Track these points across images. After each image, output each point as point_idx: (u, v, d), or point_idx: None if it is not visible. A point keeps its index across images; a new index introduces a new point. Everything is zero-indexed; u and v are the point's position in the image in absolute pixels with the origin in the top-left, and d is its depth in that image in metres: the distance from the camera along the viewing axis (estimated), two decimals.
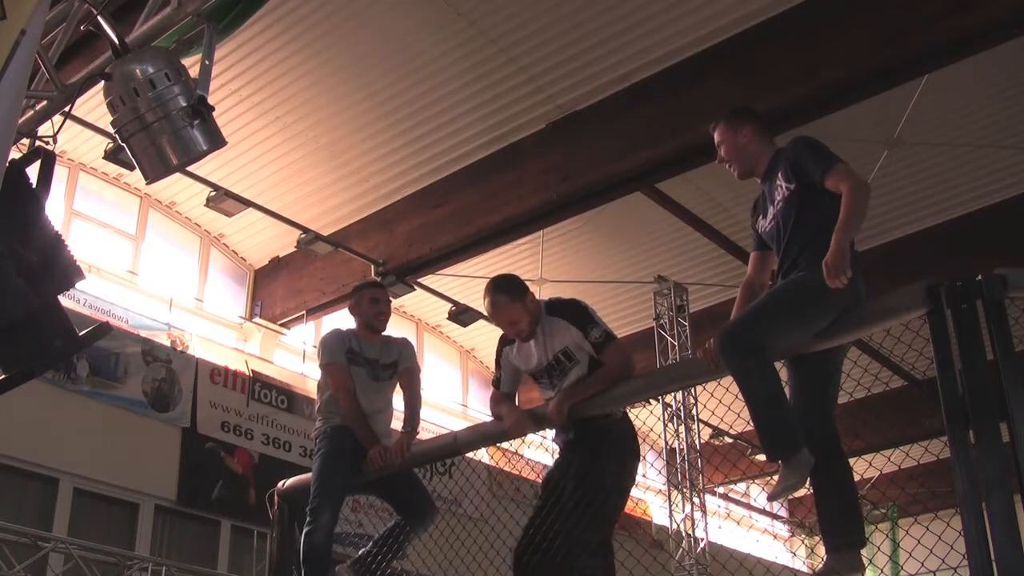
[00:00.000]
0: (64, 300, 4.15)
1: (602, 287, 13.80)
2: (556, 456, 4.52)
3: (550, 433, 4.56)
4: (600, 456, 4.16)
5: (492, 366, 4.67)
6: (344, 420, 4.98)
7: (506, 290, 4.35)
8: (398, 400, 5.23)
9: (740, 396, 4.09)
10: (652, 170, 10.35)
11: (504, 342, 4.53)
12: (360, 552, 5.04)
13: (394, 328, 5.35)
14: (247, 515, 10.71)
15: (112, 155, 10.38)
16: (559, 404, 4.13)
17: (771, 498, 3.89)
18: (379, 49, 10.10)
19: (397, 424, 5.12)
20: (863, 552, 3.53)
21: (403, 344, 5.30)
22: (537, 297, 4.45)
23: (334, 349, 5.09)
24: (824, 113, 9.62)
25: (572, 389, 4.17)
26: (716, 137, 4.01)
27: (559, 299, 4.45)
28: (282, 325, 13.35)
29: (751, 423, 3.51)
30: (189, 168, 6.54)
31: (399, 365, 5.18)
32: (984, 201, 12.10)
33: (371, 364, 5.10)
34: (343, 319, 14.18)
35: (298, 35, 9.89)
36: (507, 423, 4.32)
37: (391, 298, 5.43)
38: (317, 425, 5.13)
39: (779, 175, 3.78)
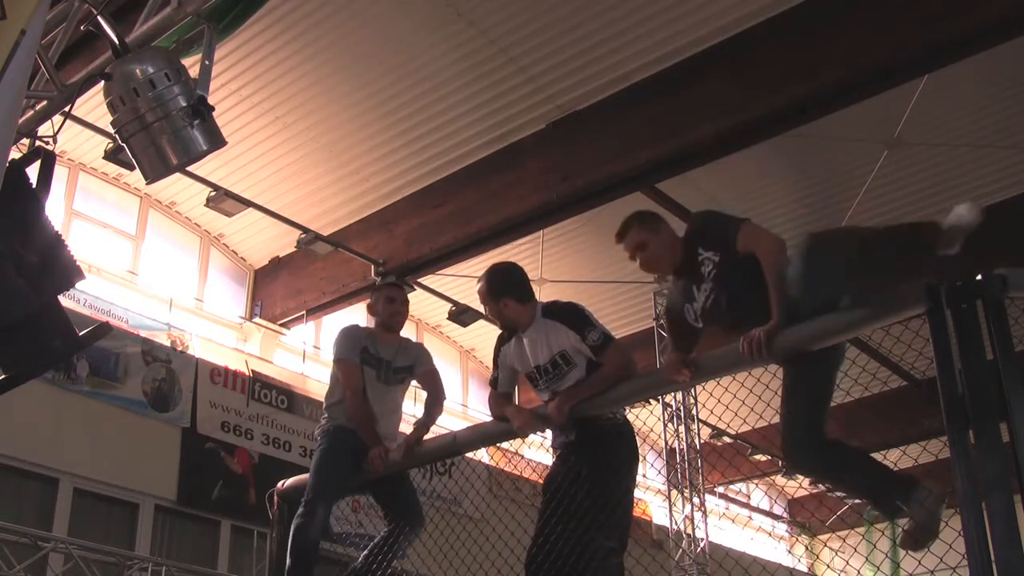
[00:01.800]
0: (64, 300, 4.15)
1: (602, 287, 13.80)
2: (555, 458, 4.50)
3: (550, 433, 4.56)
4: (606, 458, 4.15)
5: (492, 366, 4.67)
6: (349, 420, 4.97)
7: (491, 280, 4.40)
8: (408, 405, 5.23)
9: (739, 396, 4.11)
10: (652, 170, 10.34)
11: (501, 341, 4.52)
12: (351, 567, 5.02)
13: None
14: (247, 515, 10.70)
15: (112, 155, 10.38)
16: (560, 405, 4.12)
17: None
18: (379, 49, 10.10)
19: (405, 428, 5.11)
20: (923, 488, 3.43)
21: (420, 348, 5.28)
22: (537, 297, 4.44)
23: (349, 346, 5.07)
24: (824, 113, 9.64)
25: (572, 390, 4.16)
26: (632, 243, 4.00)
27: (556, 302, 4.43)
28: (282, 325, 13.34)
29: (747, 424, 3.54)
30: (189, 168, 6.54)
31: (416, 369, 5.16)
32: (984, 201, 12.08)
33: (382, 365, 5.06)
34: (343, 319, 14.21)
35: (298, 35, 9.89)
36: (516, 425, 4.29)
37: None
38: (322, 421, 5.12)
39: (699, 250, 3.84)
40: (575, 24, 9.66)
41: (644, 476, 16.25)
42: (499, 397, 4.52)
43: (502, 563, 4.66)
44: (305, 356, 13.31)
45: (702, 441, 14.07)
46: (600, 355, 4.16)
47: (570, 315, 4.29)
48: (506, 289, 4.36)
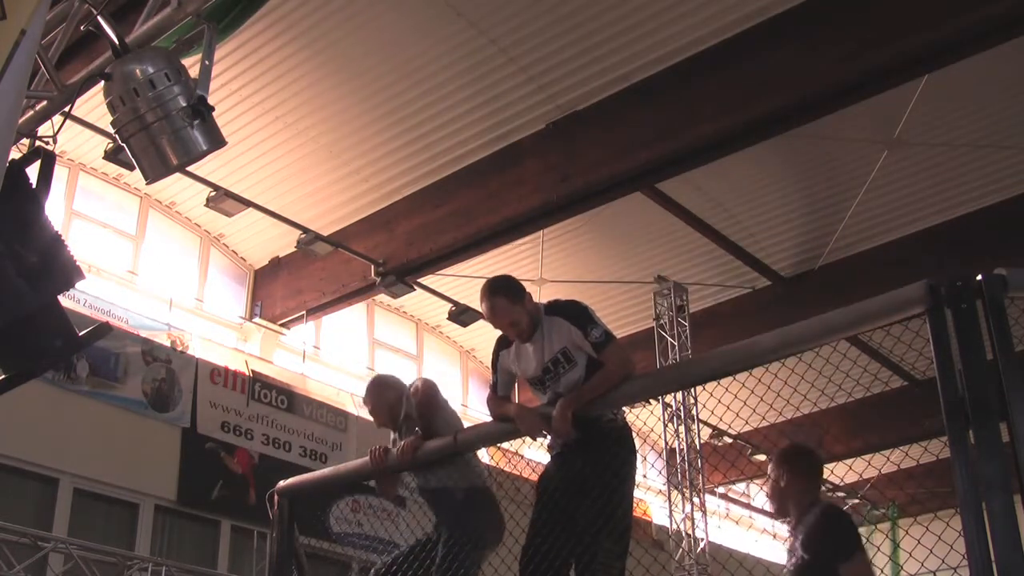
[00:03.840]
0: (64, 300, 4.16)
1: (602, 287, 13.79)
2: (552, 457, 4.49)
3: None
4: (606, 461, 4.13)
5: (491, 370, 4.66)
6: None
7: (504, 292, 4.30)
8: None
9: (740, 396, 4.10)
10: (652, 170, 10.36)
11: (500, 346, 4.49)
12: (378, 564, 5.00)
13: (394, 328, 5.31)
14: (247, 515, 10.71)
15: (112, 155, 10.39)
16: (563, 411, 4.04)
17: None
18: (379, 49, 10.11)
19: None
20: None
21: None
22: (537, 297, 4.43)
23: None
24: (824, 113, 9.65)
25: (575, 395, 4.10)
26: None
27: (558, 300, 4.42)
28: (282, 325, 13.34)
29: (747, 424, 3.55)
30: (189, 168, 6.55)
31: None
32: (984, 201, 12.10)
33: None
34: (343, 319, 14.19)
35: (298, 35, 9.89)
36: (523, 428, 4.27)
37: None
38: None
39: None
40: (575, 24, 9.67)
41: (644, 476, 16.24)
42: (499, 399, 4.51)
43: (500, 563, 4.65)
44: (305, 356, 13.31)
45: (702, 441, 14.06)
46: (600, 353, 4.14)
47: (573, 311, 4.27)
48: (521, 288, 4.34)
